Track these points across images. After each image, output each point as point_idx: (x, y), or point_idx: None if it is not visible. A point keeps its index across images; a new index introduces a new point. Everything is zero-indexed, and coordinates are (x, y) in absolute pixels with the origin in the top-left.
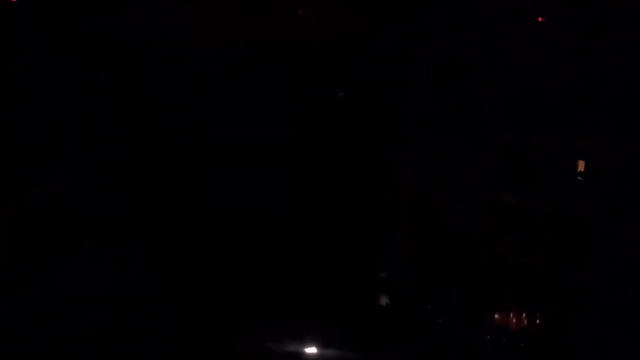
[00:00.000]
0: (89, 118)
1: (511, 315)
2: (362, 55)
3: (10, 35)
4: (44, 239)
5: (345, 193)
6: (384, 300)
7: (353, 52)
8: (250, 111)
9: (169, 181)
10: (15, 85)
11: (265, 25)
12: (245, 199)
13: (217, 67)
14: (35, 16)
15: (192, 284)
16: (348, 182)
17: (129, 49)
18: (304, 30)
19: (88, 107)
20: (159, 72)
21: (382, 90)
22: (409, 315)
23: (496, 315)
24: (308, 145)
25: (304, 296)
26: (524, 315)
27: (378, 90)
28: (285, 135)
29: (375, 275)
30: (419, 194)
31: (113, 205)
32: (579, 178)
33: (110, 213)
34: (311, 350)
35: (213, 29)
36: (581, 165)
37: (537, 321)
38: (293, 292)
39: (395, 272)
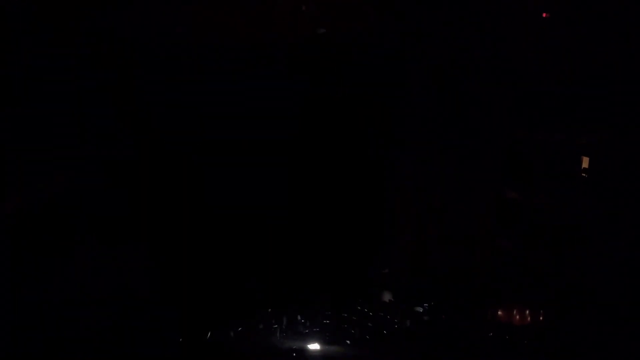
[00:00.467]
0: (89, 118)
1: (512, 314)
2: (362, 55)
3: (10, 35)
4: (44, 239)
5: (346, 193)
6: (385, 298)
7: (353, 52)
8: (251, 111)
9: (169, 181)
10: (15, 85)
11: (265, 25)
12: (245, 199)
13: (217, 67)
14: (35, 16)
15: (192, 284)
16: (348, 181)
17: (129, 49)
18: (304, 30)
19: (88, 107)
20: (159, 72)
21: (382, 90)
22: (409, 314)
23: (497, 315)
24: (308, 145)
25: (305, 295)
26: (524, 314)
27: (378, 90)
28: (285, 135)
29: (376, 273)
30: (419, 194)
31: (113, 205)
32: (583, 175)
33: (110, 213)
34: (314, 346)
35: (213, 29)
36: (585, 162)
37: (538, 320)
38: (294, 291)
39: (396, 271)
